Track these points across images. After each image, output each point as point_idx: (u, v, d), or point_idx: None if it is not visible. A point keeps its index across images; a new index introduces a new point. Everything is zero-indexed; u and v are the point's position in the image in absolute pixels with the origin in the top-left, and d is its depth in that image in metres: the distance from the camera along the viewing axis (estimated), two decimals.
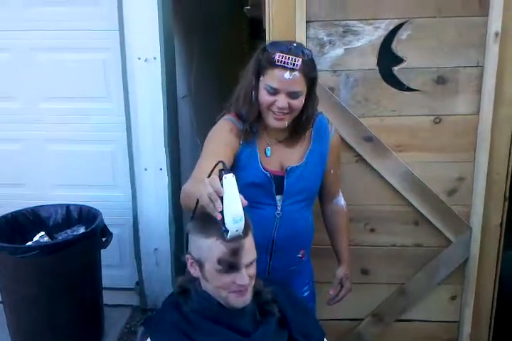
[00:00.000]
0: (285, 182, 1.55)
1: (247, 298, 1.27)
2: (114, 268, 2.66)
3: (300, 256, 1.66)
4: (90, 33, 2.45)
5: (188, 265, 1.31)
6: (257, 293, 1.33)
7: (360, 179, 1.96)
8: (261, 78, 1.45)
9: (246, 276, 1.23)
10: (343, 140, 1.90)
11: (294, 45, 1.45)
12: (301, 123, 1.54)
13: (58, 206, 2.42)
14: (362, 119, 1.89)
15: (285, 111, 1.45)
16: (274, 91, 1.43)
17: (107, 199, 2.64)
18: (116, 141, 2.59)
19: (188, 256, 1.31)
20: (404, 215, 1.98)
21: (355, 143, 1.91)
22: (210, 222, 1.25)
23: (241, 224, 1.12)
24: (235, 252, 1.22)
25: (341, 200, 1.76)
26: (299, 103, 1.46)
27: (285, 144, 1.57)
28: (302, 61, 1.40)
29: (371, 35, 1.81)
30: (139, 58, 2.39)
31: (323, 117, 1.62)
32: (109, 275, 2.48)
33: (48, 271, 2.08)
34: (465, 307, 2.04)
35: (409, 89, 1.85)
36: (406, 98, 1.86)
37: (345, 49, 1.84)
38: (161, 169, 2.55)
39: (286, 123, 1.49)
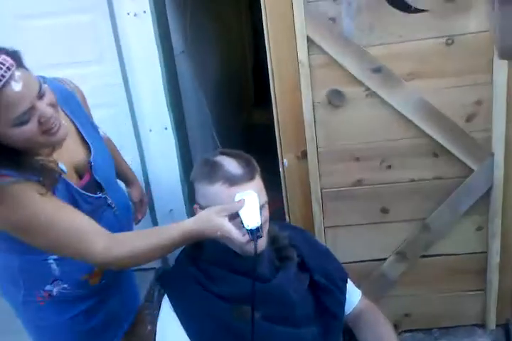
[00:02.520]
0: (96, 177, 1.25)
1: (262, 243, 1.13)
2: None
3: None
4: None
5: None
6: (273, 239, 1.20)
7: (371, 114, 1.74)
8: None
9: None
10: (349, 73, 1.69)
11: None
12: None
13: None
14: (368, 49, 1.66)
15: (50, 114, 1.05)
16: (28, 113, 1.01)
17: None
18: (118, 104, 2.37)
19: (195, 205, 1.17)
20: (422, 147, 1.77)
21: (363, 76, 1.69)
22: (213, 168, 1.11)
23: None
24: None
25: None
26: (50, 96, 1.07)
27: (64, 145, 1.19)
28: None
29: None
30: (128, 13, 2.14)
31: (51, 80, 1.23)
32: None
33: None
34: (492, 237, 1.85)
35: (416, 11, 1.60)
36: (414, 20, 1.62)
37: None
38: (165, 128, 2.34)
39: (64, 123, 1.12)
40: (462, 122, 1.71)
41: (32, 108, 1.01)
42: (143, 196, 1.67)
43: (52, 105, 1.07)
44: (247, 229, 1.05)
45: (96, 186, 1.27)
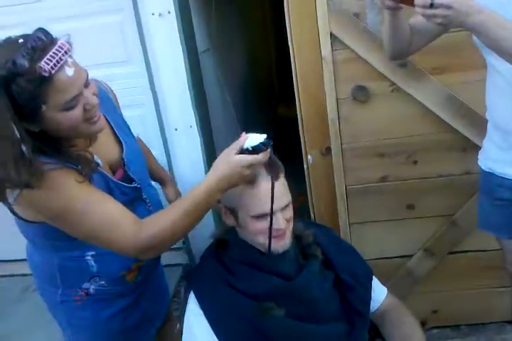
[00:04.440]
0: (129, 172, 1.25)
1: (286, 241, 1.12)
2: None
3: None
4: None
5: (222, 214, 1.17)
6: (297, 237, 1.18)
7: (397, 109, 1.69)
8: (43, 109, 0.99)
9: (282, 220, 1.08)
10: (374, 68, 1.64)
11: (34, 37, 0.97)
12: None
13: None
14: None
15: (95, 102, 1.07)
16: (76, 99, 1.02)
17: None
18: (144, 104, 2.36)
19: (220, 205, 1.16)
20: (449, 142, 1.70)
21: (389, 70, 1.63)
22: None
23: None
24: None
25: None
26: (93, 86, 1.09)
27: (99, 142, 1.21)
28: (57, 44, 0.98)
29: None
30: (153, 14, 2.13)
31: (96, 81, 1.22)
32: None
33: None
34: None
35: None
36: None
37: None
38: (191, 127, 2.32)
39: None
40: None
41: (80, 94, 1.03)
42: (178, 196, 1.65)
43: (95, 95, 1.09)
44: (257, 145, 1.04)
45: (129, 181, 1.25)
